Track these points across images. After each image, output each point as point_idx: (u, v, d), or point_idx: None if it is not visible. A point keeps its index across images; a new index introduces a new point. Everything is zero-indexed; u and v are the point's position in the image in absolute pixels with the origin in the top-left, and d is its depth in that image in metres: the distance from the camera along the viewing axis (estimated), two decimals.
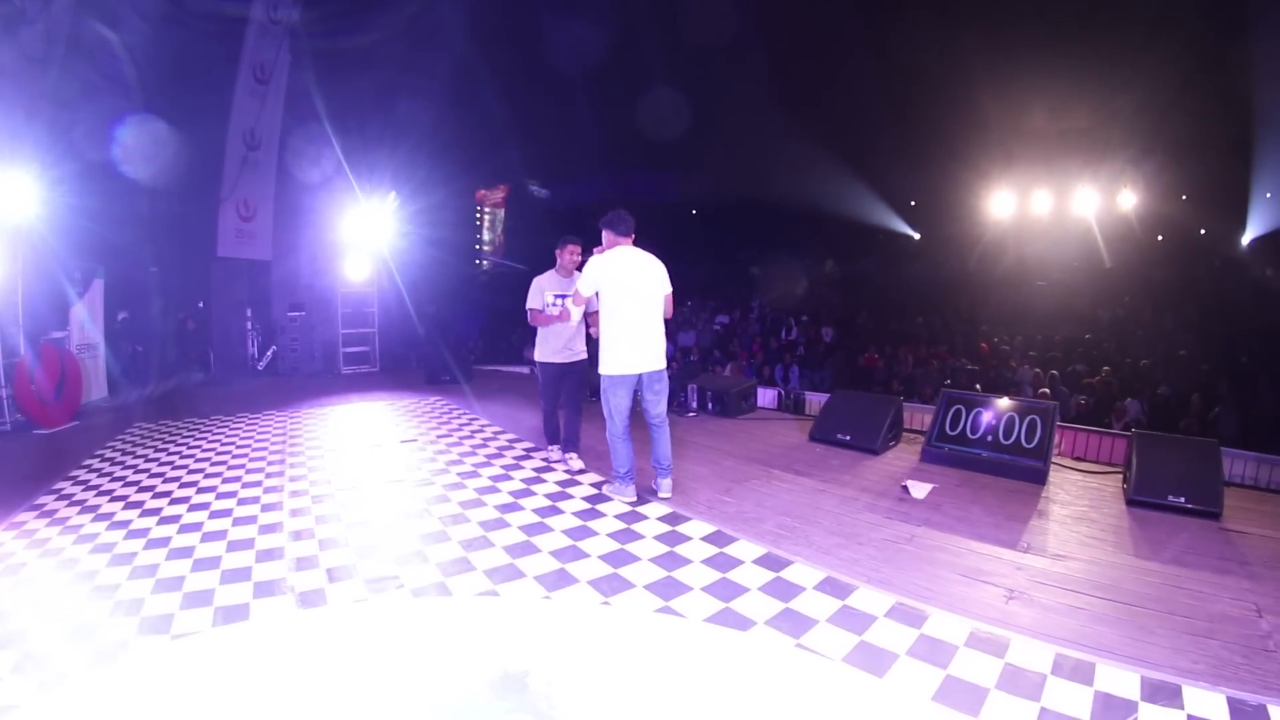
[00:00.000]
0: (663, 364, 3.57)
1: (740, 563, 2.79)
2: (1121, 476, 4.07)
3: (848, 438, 4.85)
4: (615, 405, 3.53)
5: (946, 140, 15.44)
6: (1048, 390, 8.77)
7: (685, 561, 2.78)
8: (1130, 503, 3.62)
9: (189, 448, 4.89)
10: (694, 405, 6.19)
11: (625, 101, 16.68)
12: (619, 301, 3.44)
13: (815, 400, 8.79)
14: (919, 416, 7.69)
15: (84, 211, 7.36)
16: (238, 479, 4.05)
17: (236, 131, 9.73)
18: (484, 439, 5.08)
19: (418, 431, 5.33)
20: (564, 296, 4.14)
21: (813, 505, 3.56)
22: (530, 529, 3.13)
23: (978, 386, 9.67)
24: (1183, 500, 3.51)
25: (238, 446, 4.90)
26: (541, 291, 4.27)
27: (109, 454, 4.74)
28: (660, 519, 3.28)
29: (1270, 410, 7.69)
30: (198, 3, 8.68)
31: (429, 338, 9.09)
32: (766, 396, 7.58)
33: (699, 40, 15.21)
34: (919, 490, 3.79)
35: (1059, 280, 13.72)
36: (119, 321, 9.04)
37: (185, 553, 2.88)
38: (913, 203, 18.08)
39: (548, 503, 3.52)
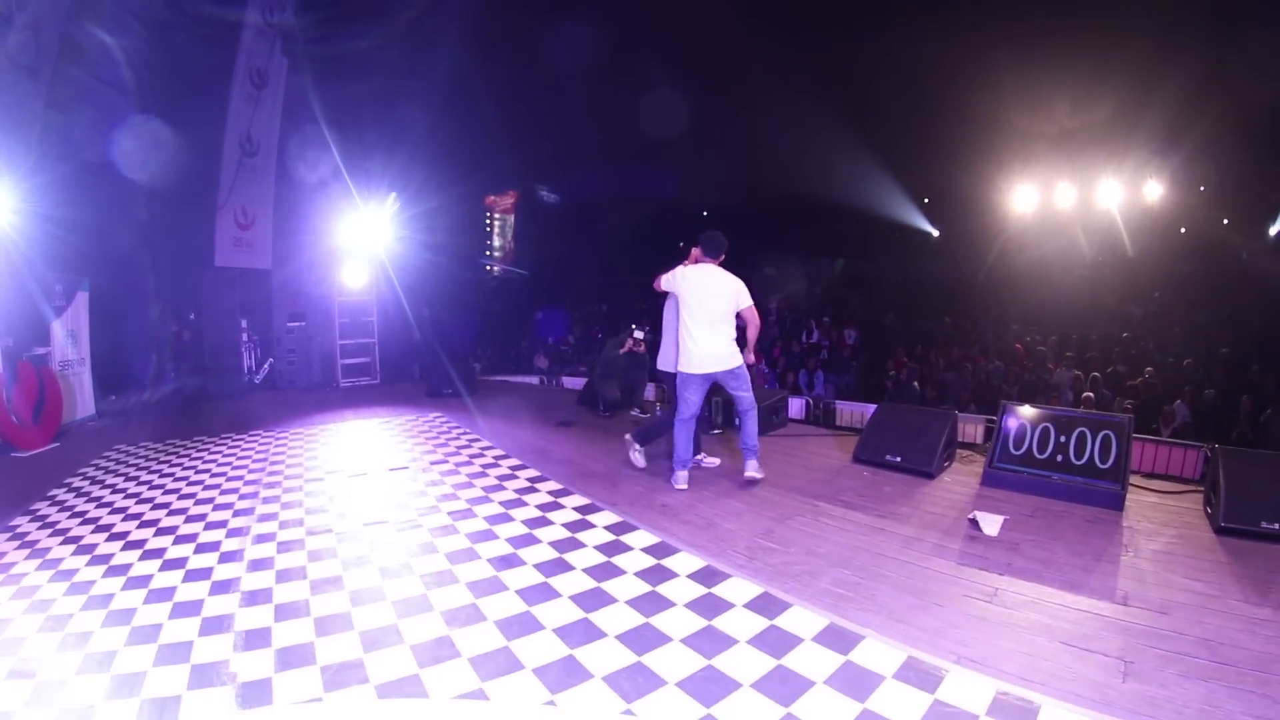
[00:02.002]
0: (731, 364, 3.89)
1: (799, 641, 2.24)
2: (1203, 498, 3.66)
3: (898, 459, 4.29)
4: (686, 399, 3.94)
5: (966, 135, 14.90)
6: (1091, 395, 8.19)
7: (729, 642, 2.22)
8: (1219, 531, 3.25)
9: (161, 476, 4.43)
10: (719, 421, 5.55)
11: (634, 100, 16.20)
12: (690, 311, 3.85)
13: (846, 410, 8.19)
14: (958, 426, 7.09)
15: (65, 222, 6.99)
16: (203, 517, 3.56)
17: (233, 137, 9.39)
18: (483, 466, 4.52)
19: (410, 457, 4.80)
20: None
21: (873, 551, 3.04)
22: (531, 594, 2.56)
23: (1014, 391, 9.08)
24: (1277, 527, 3.16)
25: (212, 475, 4.42)
26: None
27: (77, 483, 4.33)
28: (692, 575, 2.70)
29: None
30: (192, 6, 8.38)
31: (429, 347, 8.61)
32: (793, 406, 6.99)
33: (709, 35, 14.72)
34: (990, 525, 3.31)
35: (1084, 276, 13.23)
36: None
37: (125, 617, 2.46)
38: (926, 199, 17.46)
39: (553, 554, 2.94)
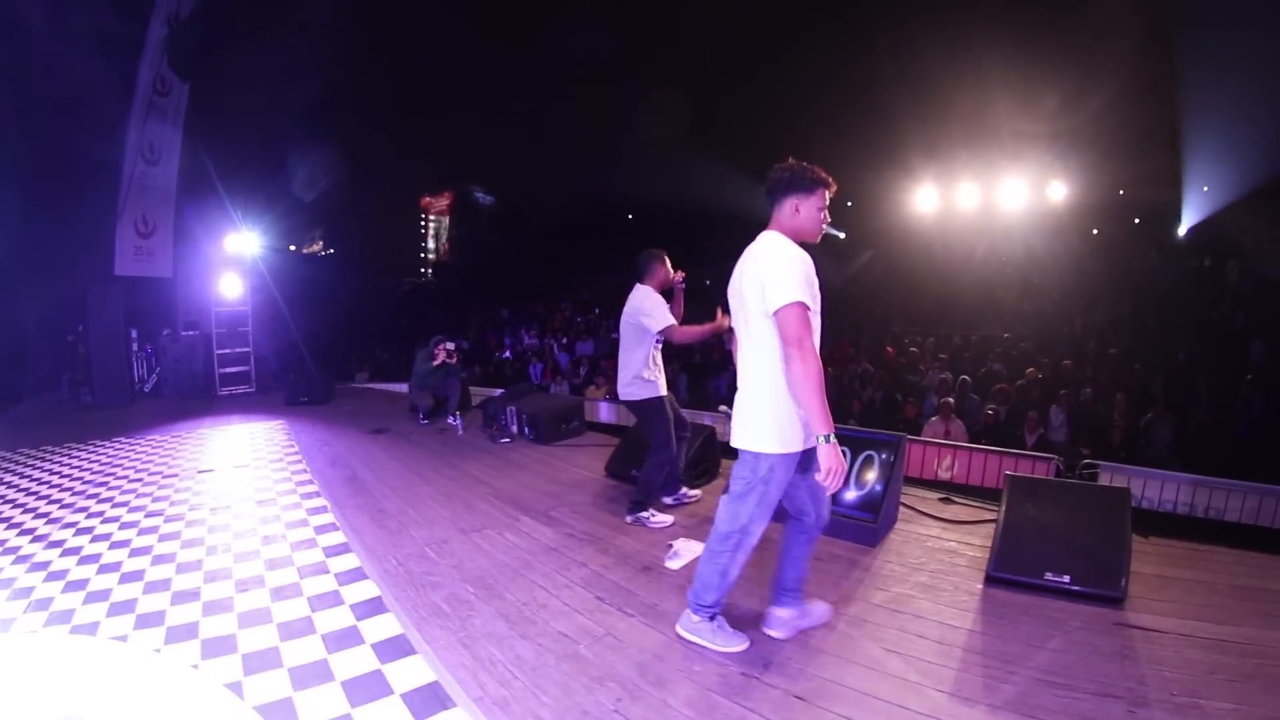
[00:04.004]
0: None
1: (360, 643, 2.42)
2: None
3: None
4: (770, 501, 2.17)
5: (871, 136, 15.11)
6: (950, 400, 7.73)
7: (304, 632, 2.52)
8: (990, 580, 2.63)
9: (20, 478, 5.07)
10: (513, 429, 6.02)
11: (554, 107, 16.56)
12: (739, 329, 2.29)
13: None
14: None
15: None
16: (9, 520, 4.10)
17: (134, 144, 9.56)
18: (273, 470, 5.12)
19: (220, 462, 5.40)
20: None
21: (520, 569, 3.03)
22: (211, 579, 3.08)
23: (877, 396, 9.20)
24: (1067, 580, 2.48)
25: (60, 476, 5.03)
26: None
27: None
28: (340, 574, 3.11)
29: (1211, 416, 6.83)
30: (98, 12, 8.57)
31: (298, 356, 9.16)
32: (622, 412, 7.49)
33: (616, 43, 14.93)
34: (679, 558, 3.05)
35: (984, 276, 13.48)
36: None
37: None
38: (849, 203, 17.95)
39: (256, 546, 3.47)
